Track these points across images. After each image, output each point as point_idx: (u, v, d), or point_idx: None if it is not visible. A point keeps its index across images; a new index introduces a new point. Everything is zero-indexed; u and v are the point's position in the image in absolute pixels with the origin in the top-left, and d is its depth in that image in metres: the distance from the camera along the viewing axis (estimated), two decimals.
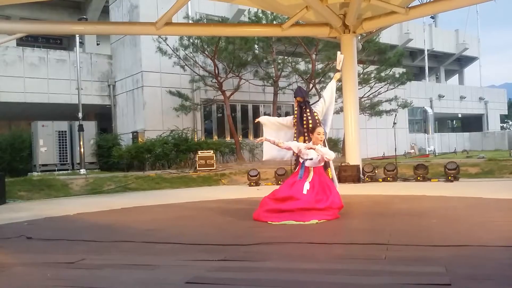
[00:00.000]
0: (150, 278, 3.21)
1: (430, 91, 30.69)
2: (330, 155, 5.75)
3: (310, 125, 6.57)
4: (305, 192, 5.52)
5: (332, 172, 6.76)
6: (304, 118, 6.78)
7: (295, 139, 6.77)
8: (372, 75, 18.11)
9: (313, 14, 11.26)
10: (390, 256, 3.54)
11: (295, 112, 6.94)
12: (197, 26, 14.52)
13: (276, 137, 6.61)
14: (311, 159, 5.74)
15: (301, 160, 5.87)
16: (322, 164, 5.89)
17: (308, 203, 5.42)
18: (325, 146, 6.07)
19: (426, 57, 32.47)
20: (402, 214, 5.83)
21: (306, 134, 6.64)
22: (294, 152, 6.22)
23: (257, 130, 19.58)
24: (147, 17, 15.61)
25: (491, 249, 3.68)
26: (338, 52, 7.78)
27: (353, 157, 11.59)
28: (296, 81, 18.15)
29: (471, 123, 36.07)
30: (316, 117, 6.83)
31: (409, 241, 4.07)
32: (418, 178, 10.68)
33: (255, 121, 7.30)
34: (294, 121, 6.93)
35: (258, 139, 6.44)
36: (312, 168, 5.75)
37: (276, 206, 5.57)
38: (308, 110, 6.82)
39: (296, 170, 5.97)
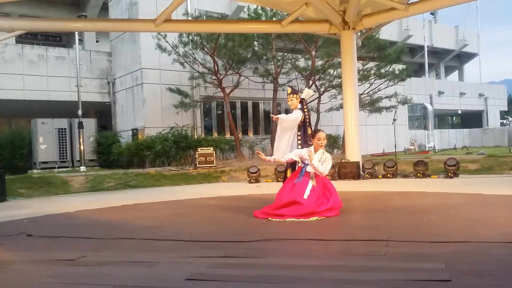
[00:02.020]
0: (150, 274, 3.21)
1: (430, 87, 30.67)
2: (322, 171, 5.61)
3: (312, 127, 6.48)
4: (305, 197, 5.50)
5: None
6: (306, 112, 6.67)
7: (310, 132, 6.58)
8: (372, 72, 18.09)
9: (312, 11, 11.25)
10: (390, 252, 3.55)
11: (305, 110, 6.70)
12: (197, 23, 14.48)
13: (289, 136, 6.36)
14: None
15: (301, 165, 5.79)
16: None
17: (310, 208, 5.41)
18: None
19: (426, 54, 32.39)
20: (402, 211, 5.84)
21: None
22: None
23: (257, 127, 19.60)
24: (146, 14, 15.55)
25: (490, 245, 3.68)
26: (307, 90, 6.88)
27: (353, 154, 11.59)
28: (296, 78, 18.11)
29: (471, 119, 36.05)
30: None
31: (409, 237, 4.07)
32: (418, 174, 10.68)
33: (274, 119, 6.50)
34: (302, 117, 6.70)
35: (258, 152, 6.06)
36: (312, 172, 5.69)
37: (278, 212, 5.56)
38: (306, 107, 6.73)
39: (295, 172, 5.93)
